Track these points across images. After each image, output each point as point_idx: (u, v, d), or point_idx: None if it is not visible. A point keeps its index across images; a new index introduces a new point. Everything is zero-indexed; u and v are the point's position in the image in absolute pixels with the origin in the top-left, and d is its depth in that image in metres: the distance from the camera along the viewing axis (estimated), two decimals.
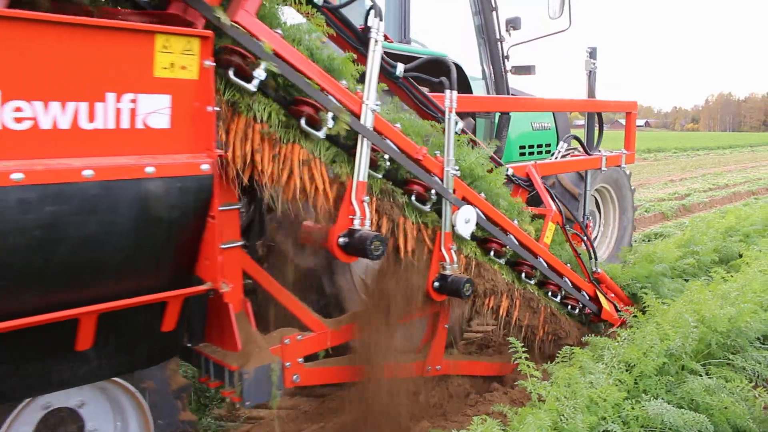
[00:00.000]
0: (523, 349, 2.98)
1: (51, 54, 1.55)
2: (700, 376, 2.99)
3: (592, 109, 4.69)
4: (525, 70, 5.12)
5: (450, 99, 2.84)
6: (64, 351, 1.75)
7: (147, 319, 1.89)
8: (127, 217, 1.68)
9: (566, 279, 3.70)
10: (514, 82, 5.35)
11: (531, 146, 5.74)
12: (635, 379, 2.91)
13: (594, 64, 4.55)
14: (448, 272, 2.87)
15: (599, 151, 4.63)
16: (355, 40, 2.69)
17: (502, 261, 3.30)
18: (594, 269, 4.00)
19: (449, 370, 3.45)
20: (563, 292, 3.72)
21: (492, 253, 3.23)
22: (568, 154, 5.11)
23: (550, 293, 3.65)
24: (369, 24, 2.55)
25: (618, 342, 3.21)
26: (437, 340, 3.27)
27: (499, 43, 5.01)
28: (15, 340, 1.62)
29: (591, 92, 4.59)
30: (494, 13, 4.98)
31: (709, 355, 3.33)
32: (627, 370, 2.94)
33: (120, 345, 1.88)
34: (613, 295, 4.18)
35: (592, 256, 3.98)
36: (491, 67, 5.01)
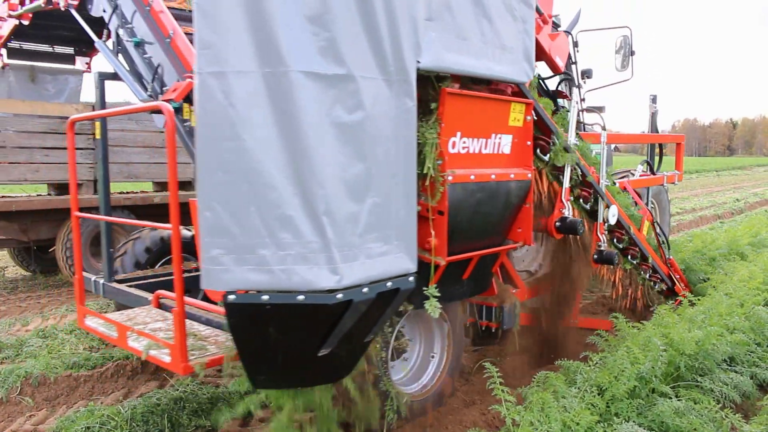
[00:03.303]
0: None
1: (474, 112, 2.92)
2: (670, 398, 3.03)
3: (654, 141, 6.22)
4: (597, 109, 6.62)
5: (604, 136, 4.29)
6: (460, 278, 3.09)
7: (487, 262, 3.25)
8: (501, 201, 3.05)
9: (653, 260, 5.16)
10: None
11: None
12: (607, 403, 2.95)
13: (655, 107, 6.08)
14: (602, 248, 4.29)
15: (661, 172, 6.15)
16: (547, 95, 4.12)
17: (621, 246, 4.73)
18: (667, 256, 5.45)
19: (581, 324, 4.83)
20: (650, 271, 5.17)
21: (615, 240, 4.66)
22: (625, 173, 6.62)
23: (642, 271, 5.10)
24: (565, 90, 3.99)
25: (590, 366, 3.31)
26: (576, 301, 4.67)
27: (576, 89, 6.51)
28: (449, 270, 2.94)
29: (654, 128, 6.11)
30: (573, 65, 6.49)
31: (678, 378, 3.37)
32: (599, 394, 2.99)
33: (474, 277, 3.22)
34: (678, 276, 5.64)
35: (667, 246, 5.44)
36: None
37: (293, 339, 2.42)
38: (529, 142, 3.22)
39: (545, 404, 2.78)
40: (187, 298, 3.62)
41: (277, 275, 2.22)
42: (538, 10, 3.30)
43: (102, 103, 4.49)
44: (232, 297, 2.27)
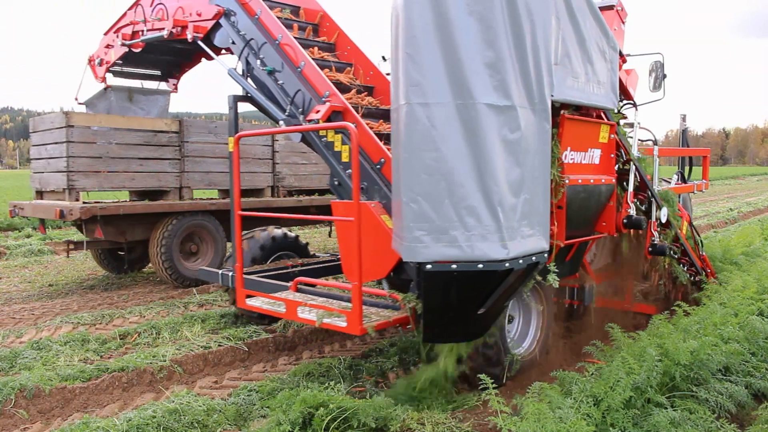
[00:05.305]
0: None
1: (579, 131, 3.83)
2: (665, 408, 3.03)
3: (685, 154, 7.17)
4: (630, 126, 7.57)
5: (656, 150, 5.22)
6: (563, 260, 3.97)
7: (582, 249, 4.14)
8: (595, 200, 3.96)
9: (691, 255, 6.06)
10: None
11: None
12: (603, 413, 2.95)
13: (685, 125, 7.04)
14: (656, 241, 5.18)
15: (691, 181, 7.10)
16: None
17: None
18: (701, 252, 6.36)
19: (633, 308, 5.71)
20: (688, 264, 6.07)
21: (662, 236, 5.56)
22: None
23: (681, 264, 6.00)
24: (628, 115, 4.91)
25: (585, 376, 3.34)
26: (630, 287, 5.56)
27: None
28: (559, 253, 3.81)
29: (685, 143, 7.06)
30: None
31: (673, 388, 3.39)
32: (595, 405, 3.00)
33: (572, 261, 4.10)
34: (709, 270, 6.54)
35: (701, 244, 6.35)
36: None
37: (467, 299, 3.29)
38: (612, 155, 4.13)
39: (541, 415, 2.83)
40: (334, 283, 4.48)
41: (463, 250, 3.09)
42: (619, 52, 4.21)
43: (235, 122, 5.34)
44: (429, 267, 3.14)
